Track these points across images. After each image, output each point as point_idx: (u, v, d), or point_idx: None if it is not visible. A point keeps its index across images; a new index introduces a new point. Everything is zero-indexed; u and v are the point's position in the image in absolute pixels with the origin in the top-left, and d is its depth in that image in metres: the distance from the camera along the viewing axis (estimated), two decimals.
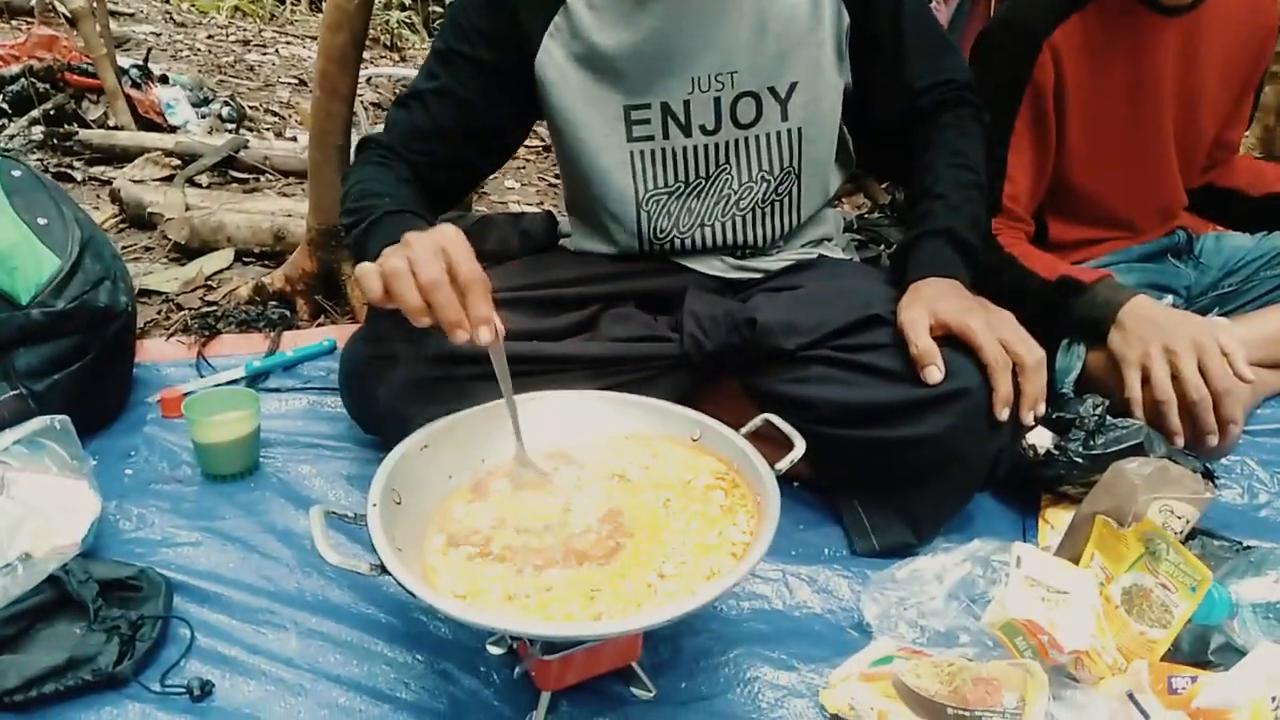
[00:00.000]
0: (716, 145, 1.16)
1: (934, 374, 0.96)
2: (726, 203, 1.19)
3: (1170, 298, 1.30)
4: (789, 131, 1.16)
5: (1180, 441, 1.08)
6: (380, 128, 2.28)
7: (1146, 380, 1.10)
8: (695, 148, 1.16)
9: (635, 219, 1.20)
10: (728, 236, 1.22)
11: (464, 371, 1.00)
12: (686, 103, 1.13)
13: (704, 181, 1.18)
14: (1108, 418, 1.08)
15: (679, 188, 1.18)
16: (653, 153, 1.16)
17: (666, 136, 1.15)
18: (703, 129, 1.15)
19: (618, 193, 1.18)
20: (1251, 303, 1.35)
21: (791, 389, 1.05)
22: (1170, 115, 1.33)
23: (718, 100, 1.13)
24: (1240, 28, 1.32)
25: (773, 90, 1.14)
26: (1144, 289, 1.29)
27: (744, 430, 0.92)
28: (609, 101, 1.14)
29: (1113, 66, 1.26)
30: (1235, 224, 1.48)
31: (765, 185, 1.18)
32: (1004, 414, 0.96)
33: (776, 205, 1.20)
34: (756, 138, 1.16)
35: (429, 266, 0.80)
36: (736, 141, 1.16)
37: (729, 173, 1.17)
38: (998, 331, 0.97)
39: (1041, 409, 0.99)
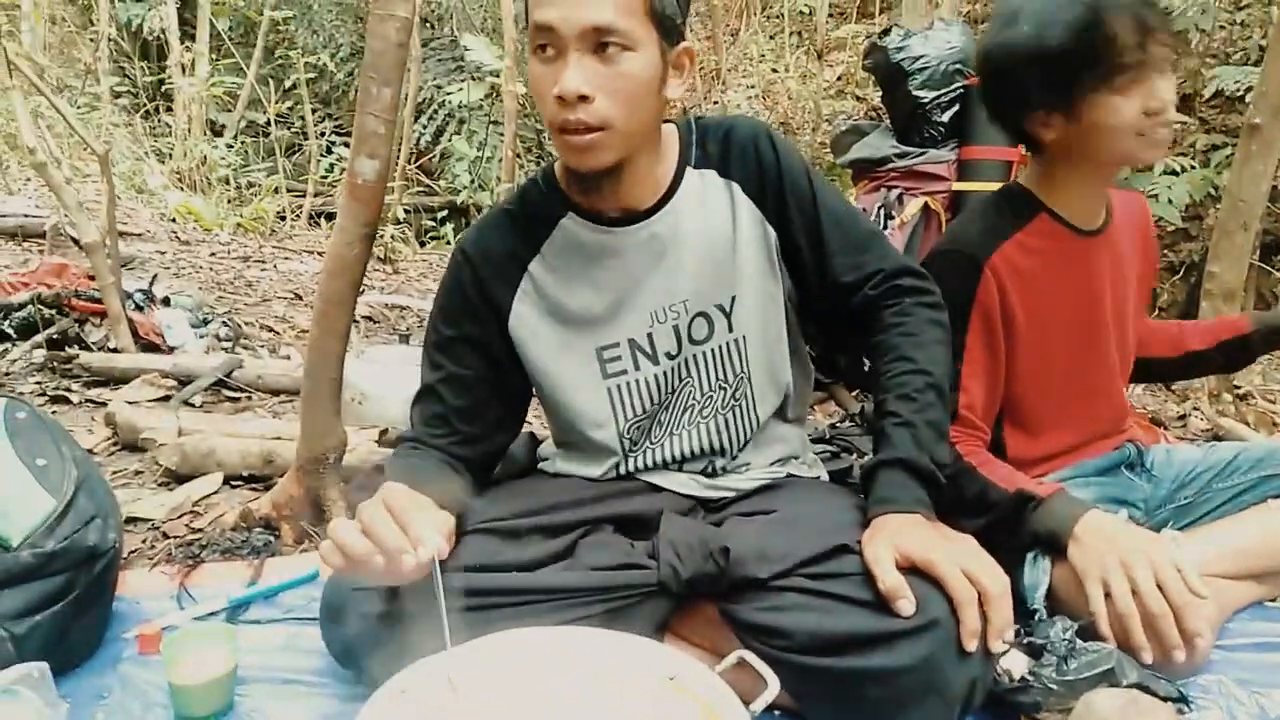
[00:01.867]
0: (680, 364, 1.26)
1: (906, 607, 0.99)
2: (691, 412, 1.28)
3: (1125, 511, 1.35)
4: (736, 341, 1.26)
5: (1148, 658, 1.10)
6: (372, 345, 2.37)
7: (1109, 594, 1.14)
8: (664, 372, 1.25)
9: (619, 446, 1.28)
10: (694, 445, 1.29)
11: (452, 604, 1.02)
12: (650, 335, 1.24)
13: (671, 397, 1.27)
14: (1078, 642, 1.10)
15: (653, 409, 1.27)
16: (628, 385, 1.25)
17: (638, 368, 1.25)
18: (667, 354, 1.25)
19: (600, 426, 1.27)
20: (1208, 514, 1.40)
21: (766, 617, 1.07)
22: (1109, 330, 1.43)
23: (676, 327, 1.24)
24: (1136, 232, 1.47)
25: (719, 306, 1.25)
26: (1102, 503, 1.34)
27: (719, 668, 0.94)
28: (582, 346, 1.25)
29: (1050, 287, 1.37)
30: (1161, 380, 1.57)
31: (723, 392, 1.27)
32: (972, 645, 0.98)
33: (735, 409, 1.29)
34: (710, 351, 1.26)
35: (367, 512, 0.95)
36: (695, 357, 1.26)
37: (691, 385, 1.27)
38: (961, 562, 1.01)
39: (1010, 636, 1.01)
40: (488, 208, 1.30)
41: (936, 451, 1.15)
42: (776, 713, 1.12)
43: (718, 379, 1.27)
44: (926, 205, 2.41)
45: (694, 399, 1.27)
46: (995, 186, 2.13)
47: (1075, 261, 1.38)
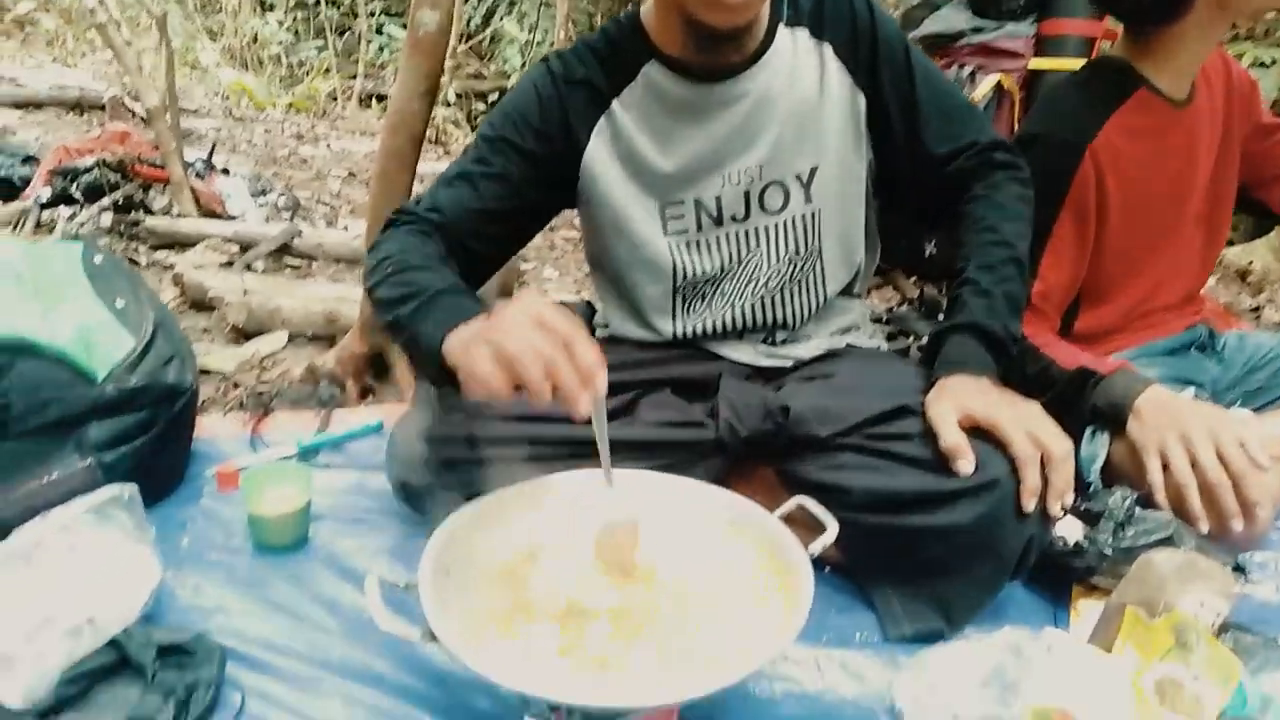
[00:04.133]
0: (746, 232, 1.22)
1: (965, 466, 0.99)
2: (756, 284, 1.25)
3: (1191, 390, 1.33)
4: (812, 214, 1.22)
5: (1204, 528, 1.10)
6: None
7: (1167, 467, 1.13)
8: (727, 235, 1.22)
9: (671, 306, 1.26)
10: (757, 317, 1.27)
11: (510, 453, 1.05)
12: (718, 198, 1.20)
13: (736, 266, 1.24)
14: (1137, 510, 1.10)
15: (714, 274, 1.24)
16: (688, 244, 1.23)
17: (700, 229, 1.22)
18: (733, 218, 1.21)
19: (656, 280, 1.24)
20: (1277, 400, 1.37)
21: (824, 475, 1.08)
22: (1199, 199, 1.38)
23: (747, 193, 1.20)
24: (1220, 92, 1.39)
25: (798, 176, 1.20)
26: (1169, 382, 1.31)
27: (778, 513, 0.95)
28: (646, 199, 1.21)
29: (1148, 167, 1.32)
30: None
31: (792, 266, 1.24)
32: (1031, 505, 0.98)
33: (802, 283, 1.26)
34: (784, 223, 1.22)
35: (545, 344, 0.82)
36: (765, 228, 1.22)
37: (759, 257, 1.23)
38: (1025, 424, 1.00)
39: (1069, 500, 1.01)
40: (591, 34, 1.22)
41: (1010, 323, 1.13)
42: (826, 569, 1.15)
43: (787, 252, 1.23)
44: (1000, 84, 2.29)
45: (760, 271, 1.24)
46: (1075, 64, 2.03)
47: (1174, 137, 1.32)
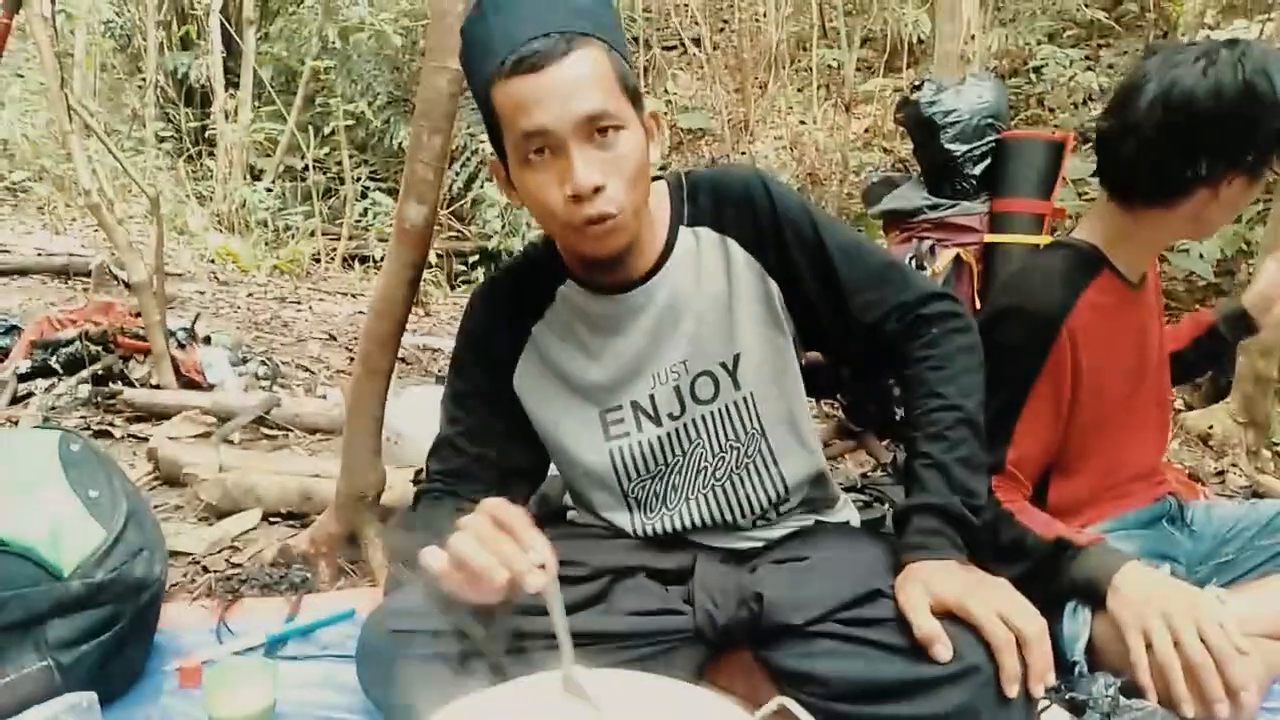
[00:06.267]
0: (684, 425, 1.24)
1: (942, 652, 0.98)
2: (704, 475, 1.25)
3: (1168, 566, 1.33)
4: (744, 399, 1.23)
5: (1190, 711, 1.08)
6: (406, 386, 2.40)
7: (1149, 645, 1.12)
8: (667, 434, 1.24)
9: (625, 508, 1.28)
10: (713, 508, 1.26)
11: (482, 652, 1.03)
12: (651, 396, 1.23)
13: (681, 459, 1.25)
14: (1121, 699, 1.09)
15: (660, 471, 1.26)
16: (630, 447, 1.25)
17: (640, 429, 1.24)
18: (670, 415, 1.24)
19: (603, 487, 1.27)
20: (1249, 572, 1.38)
21: (802, 664, 1.06)
22: (1153, 378, 1.44)
23: (677, 388, 1.23)
24: (1153, 276, 1.50)
25: (722, 365, 1.22)
26: (1145, 557, 1.33)
27: (759, 715, 0.93)
28: (584, 411, 1.25)
29: (1111, 343, 1.37)
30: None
31: (735, 452, 1.25)
32: (1013, 690, 0.97)
33: (750, 468, 1.25)
34: (718, 410, 1.24)
35: (483, 528, 0.89)
36: (702, 417, 1.24)
37: (701, 447, 1.25)
38: (996, 606, 1.00)
39: (1050, 679, 1.00)
40: (518, 253, 1.30)
41: (971, 486, 1.12)
42: None
43: (728, 439, 1.25)
44: (958, 257, 2.42)
45: (706, 461, 1.25)
46: (1028, 238, 2.17)
47: (1131, 316, 1.40)
